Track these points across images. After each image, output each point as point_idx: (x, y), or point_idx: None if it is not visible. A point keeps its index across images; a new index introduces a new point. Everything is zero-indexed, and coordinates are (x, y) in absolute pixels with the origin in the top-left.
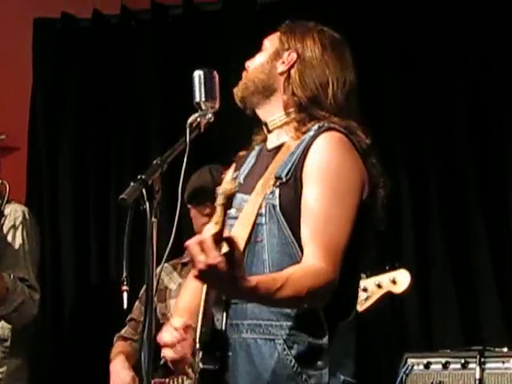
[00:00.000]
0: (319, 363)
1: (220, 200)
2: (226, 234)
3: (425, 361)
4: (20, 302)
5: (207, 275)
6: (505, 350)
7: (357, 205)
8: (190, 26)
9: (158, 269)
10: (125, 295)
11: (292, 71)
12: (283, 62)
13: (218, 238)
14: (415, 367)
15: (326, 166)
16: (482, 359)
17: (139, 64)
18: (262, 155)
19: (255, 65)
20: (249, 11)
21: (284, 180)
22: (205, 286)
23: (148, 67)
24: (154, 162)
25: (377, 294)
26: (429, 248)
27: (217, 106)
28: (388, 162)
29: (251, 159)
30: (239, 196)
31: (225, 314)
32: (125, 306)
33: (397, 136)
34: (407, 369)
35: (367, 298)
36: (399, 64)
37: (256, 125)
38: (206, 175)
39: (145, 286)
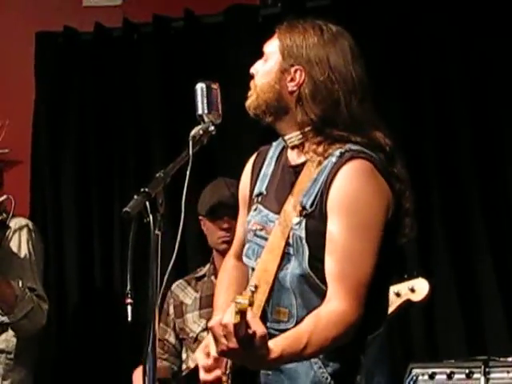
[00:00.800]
0: (355, 378)
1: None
2: (249, 317)
3: (429, 371)
4: (29, 309)
5: (229, 356)
6: (510, 359)
7: (382, 234)
8: (192, 38)
9: (173, 286)
10: (129, 308)
11: (301, 89)
12: (292, 80)
13: (238, 326)
14: (420, 377)
15: (350, 199)
16: (487, 369)
17: (141, 77)
18: (283, 167)
19: (262, 85)
20: (251, 23)
21: (309, 211)
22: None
23: (150, 80)
24: (157, 174)
25: (396, 303)
26: (432, 258)
27: (219, 118)
28: None
29: (270, 163)
30: (264, 212)
31: None
32: (129, 318)
33: (399, 146)
34: (412, 379)
35: None
36: (401, 72)
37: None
38: (224, 189)
39: (163, 307)
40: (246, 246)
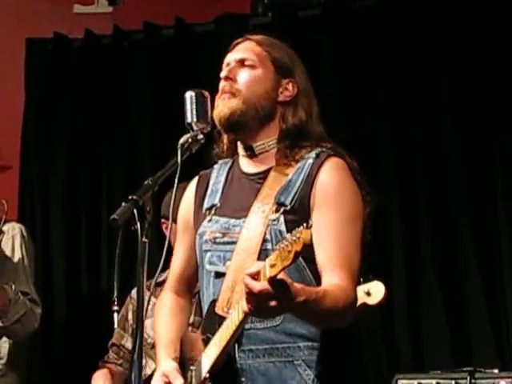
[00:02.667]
0: (339, 380)
1: (289, 246)
2: (281, 276)
3: (415, 382)
4: (22, 313)
5: (258, 302)
6: (495, 371)
7: (363, 225)
8: (183, 46)
9: (133, 291)
10: (115, 315)
11: (291, 101)
12: (285, 90)
13: (272, 282)
14: None
15: (337, 191)
16: (473, 380)
17: (131, 84)
18: (238, 178)
19: (256, 90)
20: (241, 32)
21: (288, 207)
22: (229, 320)
23: (140, 88)
24: (146, 182)
25: None
26: (419, 270)
27: (208, 127)
28: (378, 177)
29: (219, 179)
30: (222, 220)
31: (237, 341)
32: (115, 325)
33: (387, 151)
34: None
35: None
36: (389, 81)
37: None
38: None
39: (121, 312)
40: (207, 254)
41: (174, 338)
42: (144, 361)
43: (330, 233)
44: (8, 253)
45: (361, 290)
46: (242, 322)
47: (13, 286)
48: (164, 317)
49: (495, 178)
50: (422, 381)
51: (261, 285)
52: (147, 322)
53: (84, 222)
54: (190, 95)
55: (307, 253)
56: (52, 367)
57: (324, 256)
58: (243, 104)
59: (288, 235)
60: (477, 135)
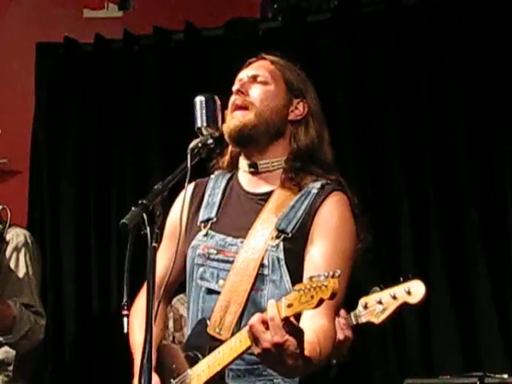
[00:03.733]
0: None
1: (317, 293)
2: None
3: None
4: (27, 329)
5: (271, 355)
6: (505, 376)
7: (353, 257)
8: (193, 51)
9: (174, 300)
10: (125, 320)
11: (301, 120)
12: (296, 110)
13: (286, 322)
14: None
15: (336, 226)
16: None
17: (141, 89)
18: (237, 194)
19: (269, 104)
20: (251, 37)
21: (289, 235)
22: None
23: (150, 92)
24: (155, 186)
25: (393, 306)
26: (428, 273)
27: (218, 131)
28: (389, 187)
29: (216, 192)
30: (219, 236)
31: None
32: (125, 330)
33: (396, 154)
34: None
35: (383, 310)
36: (399, 85)
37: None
38: None
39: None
40: (200, 269)
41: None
42: None
43: (322, 263)
44: (12, 262)
45: (402, 289)
46: (243, 352)
47: (17, 304)
48: (139, 327)
49: (504, 175)
50: None
51: (276, 339)
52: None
53: (94, 226)
54: (200, 100)
55: (297, 277)
56: (62, 374)
57: None
58: (255, 117)
59: (314, 279)
60: (489, 144)
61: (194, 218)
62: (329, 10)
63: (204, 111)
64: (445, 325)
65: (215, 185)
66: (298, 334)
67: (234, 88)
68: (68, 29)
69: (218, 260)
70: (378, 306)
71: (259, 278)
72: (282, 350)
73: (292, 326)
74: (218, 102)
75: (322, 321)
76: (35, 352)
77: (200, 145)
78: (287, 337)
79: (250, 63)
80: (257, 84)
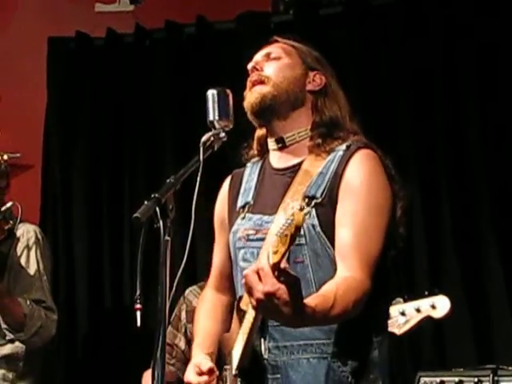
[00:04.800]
0: (372, 376)
1: (286, 230)
2: (283, 264)
3: (438, 379)
4: (39, 326)
5: (265, 305)
6: None
7: (390, 218)
8: (204, 44)
9: (187, 291)
10: (138, 313)
11: (320, 91)
12: (313, 81)
13: (276, 269)
14: None
15: (364, 181)
16: (496, 378)
17: (153, 83)
18: (269, 174)
19: (285, 75)
20: (262, 30)
21: (319, 200)
22: (248, 315)
23: (162, 86)
24: (168, 180)
25: (416, 318)
26: (442, 268)
27: (230, 125)
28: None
29: (252, 177)
30: (256, 217)
31: (267, 338)
32: (138, 324)
33: (410, 153)
34: None
35: (406, 322)
36: (410, 77)
37: (243, 141)
38: None
39: (174, 312)
40: (241, 252)
41: (209, 334)
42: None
43: (351, 222)
44: (23, 258)
45: (426, 302)
46: (257, 318)
47: (27, 301)
48: (203, 314)
49: None
50: (445, 378)
51: (267, 288)
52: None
53: (106, 220)
54: (212, 93)
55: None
56: (74, 368)
57: (341, 244)
58: (273, 88)
59: (287, 217)
60: (503, 136)
61: (234, 206)
62: (340, 3)
63: (216, 104)
64: (458, 318)
65: (251, 171)
66: (292, 282)
67: (249, 66)
68: (79, 23)
69: (256, 239)
70: (400, 317)
71: (297, 249)
72: (273, 299)
73: (286, 275)
74: (230, 96)
75: (347, 273)
76: (45, 348)
77: (212, 138)
78: (278, 285)
79: (265, 46)
80: (271, 61)
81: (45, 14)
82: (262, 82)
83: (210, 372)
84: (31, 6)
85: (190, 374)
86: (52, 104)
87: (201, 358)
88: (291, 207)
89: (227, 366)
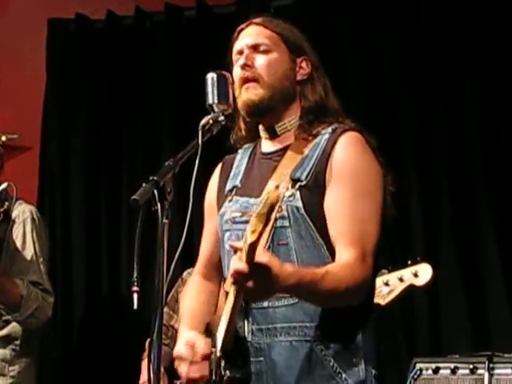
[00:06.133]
0: (355, 360)
1: (262, 209)
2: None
3: (433, 366)
4: (35, 307)
5: (239, 282)
6: None
7: (383, 201)
8: (204, 27)
9: (185, 273)
10: (135, 296)
11: (308, 78)
12: (301, 69)
13: (253, 248)
14: (424, 372)
15: (352, 165)
16: (491, 365)
17: (153, 65)
18: (258, 159)
19: (276, 73)
20: (262, 14)
21: (304, 182)
22: (230, 295)
23: (161, 69)
24: (166, 163)
25: (399, 288)
26: (438, 256)
27: (229, 108)
28: (398, 164)
29: (242, 162)
30: (242, 199)
31: (250, 320)
32: (135, 306)
33: (408, 139)
34: (416, 373)
35: (390, 292)
36: (409, 62)
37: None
38: None
39: (171, 293)
40: (227, 234)
41: (195, 315)
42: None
43: (343, 208)
44: (19, 239)
45: (408, 271)
46: (238, 297)
47: (25, 282)
48: (189, 297)
49: None
50: (440, 365)
51: (238, 265)
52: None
53: (104, 203)
54: (211, 76)
55: (323, 230)
56: (71, 349)
57: (336, 232)
58: (269, 90)
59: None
60: (500, 127)
61: (222, 190)
62: None
63: (215, 88)
64: (454, 305)
65: (241, 157)
66: (263, 265)
67: (240, 63)
68: (79, 5)
69: (242, 222)
70: (384, 287)
71: (278, 230)
72: (245, 278)
73: (256, 266)
74: (230, 79)
75: (349, 261)
76: (43, 329)
77: (211, 121)
78: (244, 265)
79: (241, 30)
80: (260, 54)
81: None
82: (255, 80)
83: (205, 357)
84: None
85: (181, 348)
86: (51, 86)
87: (196, 337)
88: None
89: (213, 349)
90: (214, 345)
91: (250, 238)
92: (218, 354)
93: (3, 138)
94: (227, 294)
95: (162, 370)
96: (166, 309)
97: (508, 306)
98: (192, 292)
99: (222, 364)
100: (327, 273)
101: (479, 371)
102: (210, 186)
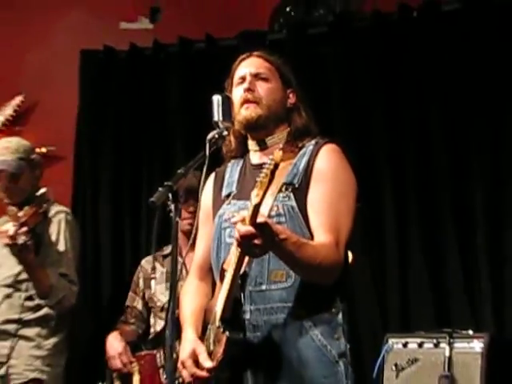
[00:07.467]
0: (336, 335)
1: (267, 169)
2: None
3: (403, 340)
4: (61, 296)
5: (245, 243)
6: (470, 332)
7: (355, 201)
8: (211, 57)
9: (143, 261)
10: (153, 282)
11: (294, 106)
12: (289, 98)
13: (257, 208)
14: (395, 346)
15: (332, 170)
16: (451, 340)
17: (167, 89)
18: (249, 170)
19: (274, 99)
20: (259, 46)
21: (296, 185)
22: (228, 272)
23: (175, 92)
24: (179, 171)
25: None
26: (408, 247)
27: (231, 125)
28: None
29: (233, 173)
30: (240, 202)
31: (248, 301)
32: (152, 291)
33: (382, 148)
34: (388, 347)
35: None
36: (386, 87)
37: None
38: (192, 178)
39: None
40: (227, 230)
41: (194, 313)
42: (153, 320)
43: (324, 203)
44: (54, 236)
45: None
46: (240, 262)
47: (55, 273)
48: (187, 298)
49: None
50: (409, 339)
51: (243, 228)
52: (157, 288)
53: (127, 205)
54: (216, 98)
55: (309, 224)
56: (99, 332)
57: (317, 222)
58: (265, 110)
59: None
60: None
61: (218, 197)
62: (325, 24)
63: (220, 108)
64: (421, 289)
65: (232, 169)
66: (263, 227)
67: (244, 86)
68: (107, 38)
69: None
70: None
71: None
72: (251, 237)
73: (261, 225)
74: (232, 101)
75: (327, 245)
76: (72, 312)
77: (217, 136)
78: (252, 230)
79: (242, 60)
80: (260, 81)
81: (77, 30)
82: (255, 102)
83: (209, 371)
84: (67, 24)
85: (186, 356)
86: (83, 106)
87: (199, 346)
88: (271, 193)
89: (210, 326)
90: (212, 322)
91: (255, 200)
92: (217, 323)
93: (43, 150)
94: (223, 273)
95: (125, 345)
96: (130, 292)
97: (465, 290)
98: (190, 294)
99: (221, 330)
100: (308, 243)
101: (441, 345)
102: (205, 195)
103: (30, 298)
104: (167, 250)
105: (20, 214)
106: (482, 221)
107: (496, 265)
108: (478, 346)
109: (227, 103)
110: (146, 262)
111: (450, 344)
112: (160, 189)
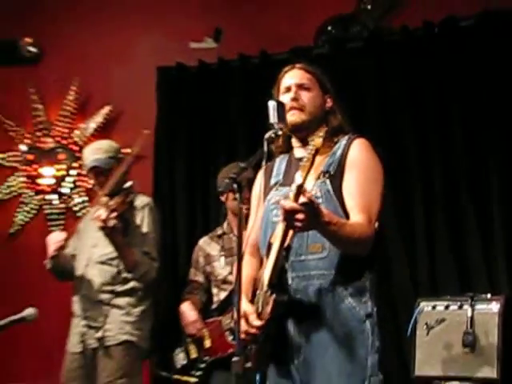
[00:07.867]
0: (364, 299)
1: (309, 155)
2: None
3: (432, 304)
4: (144, 271)
5: (289, 217)
6: (488, 295)
7: (383, 187)
8: (266, 71)
9: (200, 241)
10: (222, 259)
11: (331, 110)
12: (326, 103)
13: (301, 187)
14: (425, 308)
15: (362, 159)
16: (473, 302)
17: (231, 99)
18: (294, 162)
19: (315, 105)
20: (306, 60)
21: (332, 173)
22: (275, 244)
23: (238, 101)
24: (241, 164)
25: None
26: (435, 227)
27: (285, 126)
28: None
29: (281, 166)
30: (285, 188)
31: (290, 270)
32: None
33: (410, 147)
34: (420, 310)
35: None
36: (415, 94)
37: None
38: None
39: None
40: (274, 211)
41: (247, 282)
42: (216, 290)
43: (357, 187)
44: (139, 221)
45: None
46: (284, 235)
47: (139, 251)
48: (245, 273)
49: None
50: (437, 303)
51: (288, 203)
52: (216, 264)
53: (203, 195)
54: (272, 104)
55: (343, 206)
56: (175, 300)
57: (352, 203)
58: (309, 116)
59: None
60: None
61: (267, 185)
62: (361, 39)
63: (275, 112)
64: (447, 261)
65: (279, 163)
66: (308, 205)
67: (291, 96)
68: (179, 56)
69: None
70: None
71: None
72: (294, 213)
73: (306, 203)
74: (285, 105)
75: (360, 222)
76: (156, 284)
77: (273, 135)
78: (297, 206)
79: (287, 71)
80: (304, 91)
81: (154, 50)
82: (300, 109)
83: (258, 328)
84: (144, 44)
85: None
86: (160, 115)
87: (249, 308)
88: (311, 178)
89: (259, 292)
90: (260, 288)
91: (299, 180)
92: (265, 288)
93: (129, 150)
94: (269, 247)
95: (197, 313)
96: (191, 269)
97: (484, 258)
98: (246, 268)
99: (269, 293)
100: (346, 223)
101: (465, 307)
102: (257, 184)
103: (119, 273)
104: (220, 230)
105: (110, 202)
106: (497, 206)
107: (510, 240)
108: (495, 307)
109: (281, 108)
110: (203, 242)
111: (472, 306)
112: (226, 180)
